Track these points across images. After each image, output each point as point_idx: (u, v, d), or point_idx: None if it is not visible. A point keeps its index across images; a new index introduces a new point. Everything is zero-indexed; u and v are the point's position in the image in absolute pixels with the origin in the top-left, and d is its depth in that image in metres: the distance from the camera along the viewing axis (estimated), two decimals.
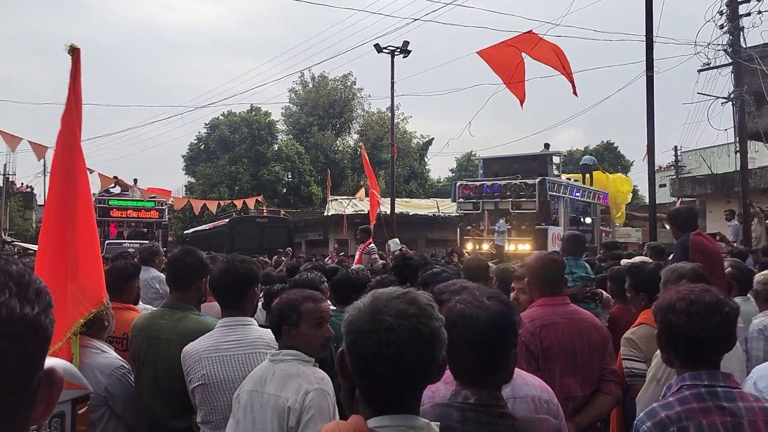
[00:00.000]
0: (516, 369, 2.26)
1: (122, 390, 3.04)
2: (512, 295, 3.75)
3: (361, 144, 21.61)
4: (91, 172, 15.81)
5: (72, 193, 3.22)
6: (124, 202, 21.08)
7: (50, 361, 0.89)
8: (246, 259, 3.02)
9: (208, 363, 2.75)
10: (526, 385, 2.16)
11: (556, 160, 16.12)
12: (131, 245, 15.33)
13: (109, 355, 3.13)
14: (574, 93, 12.39)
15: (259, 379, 2.41)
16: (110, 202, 20.64)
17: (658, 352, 3.00)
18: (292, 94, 45.83)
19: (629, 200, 20.50)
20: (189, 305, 3.18)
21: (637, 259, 7.05)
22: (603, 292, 5.26)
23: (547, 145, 16.55)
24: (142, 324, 3.21)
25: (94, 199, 19.49)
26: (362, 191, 28.08)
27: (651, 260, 6.71)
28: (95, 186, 18.12)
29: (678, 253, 5.18)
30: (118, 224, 21.02)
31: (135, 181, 22.23)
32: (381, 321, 1.30)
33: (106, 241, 17.69)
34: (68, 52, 3.38)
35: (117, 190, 21.43)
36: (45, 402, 0.88)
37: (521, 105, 12.54)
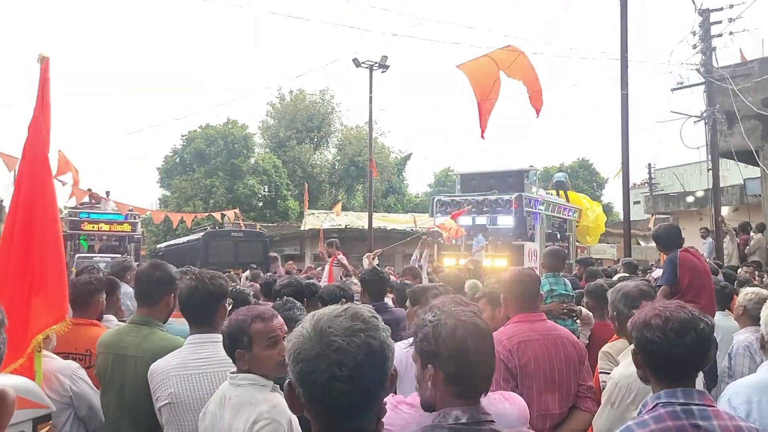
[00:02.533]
0: (490, 395, 2.21)
1: (86, 390, 2.99)
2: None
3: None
4: (64, 184, 15.49)
5: (38, 203, 3.14)
6: (96, 215, 20.70)
7: (7, 380, 0.83)
8: (215, 274, 2.94)
9: (176, 381, 2.67)
10: (505, 416, 2.10)
11: (532, 175, 16.22)
12: (102, 259, 15.04)
13: (61, 360, 3.07)
14: (537, 115, 12.42)
15: (220, 401, 2.35)
16: (81, 215, 20.25)
17: (613, 373, 3.00)
18: (270, 108, 45.80)
19: (602, 229, 20.35)
20: (156, 321, 3.09)
21: (617, 276, 7.10)
22: (582, 309, 5.27)
23: (531, 168, 16.51)
24: (107, 340, 3.11)
25: (66, 212, 19.15)
26: (339, 206, 28.06)
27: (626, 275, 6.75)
28: (71, 199, 17.70)
29: (667, 269, 5.26)
30: (90, 238, 20.61)
31: (107, 193, 21.87)
32: (329, 343, 1.24)
33: (76, 255, 17.34)
34: (37, 61, 3.32)
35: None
36: None
37: (482, 132, 12.46)
